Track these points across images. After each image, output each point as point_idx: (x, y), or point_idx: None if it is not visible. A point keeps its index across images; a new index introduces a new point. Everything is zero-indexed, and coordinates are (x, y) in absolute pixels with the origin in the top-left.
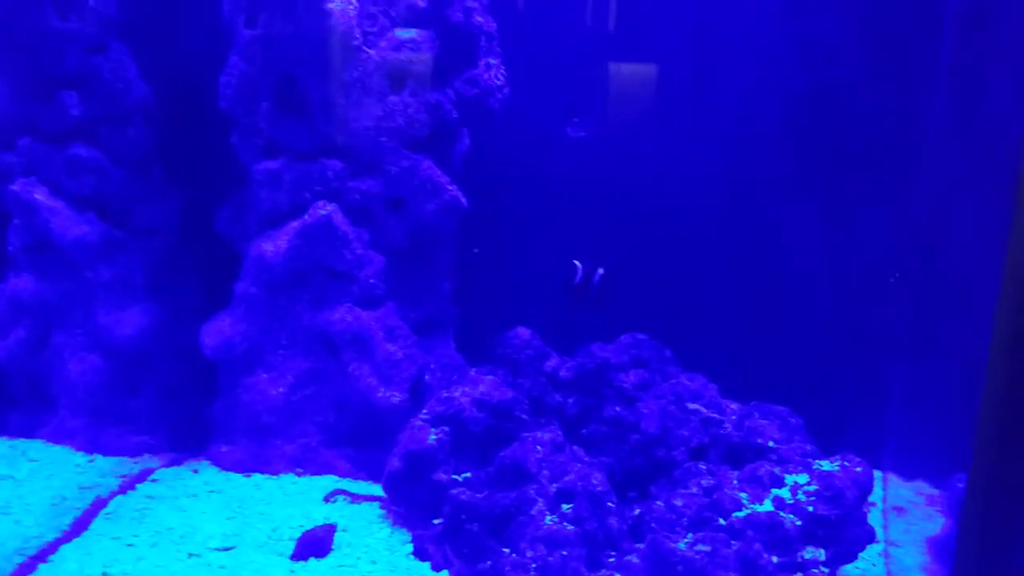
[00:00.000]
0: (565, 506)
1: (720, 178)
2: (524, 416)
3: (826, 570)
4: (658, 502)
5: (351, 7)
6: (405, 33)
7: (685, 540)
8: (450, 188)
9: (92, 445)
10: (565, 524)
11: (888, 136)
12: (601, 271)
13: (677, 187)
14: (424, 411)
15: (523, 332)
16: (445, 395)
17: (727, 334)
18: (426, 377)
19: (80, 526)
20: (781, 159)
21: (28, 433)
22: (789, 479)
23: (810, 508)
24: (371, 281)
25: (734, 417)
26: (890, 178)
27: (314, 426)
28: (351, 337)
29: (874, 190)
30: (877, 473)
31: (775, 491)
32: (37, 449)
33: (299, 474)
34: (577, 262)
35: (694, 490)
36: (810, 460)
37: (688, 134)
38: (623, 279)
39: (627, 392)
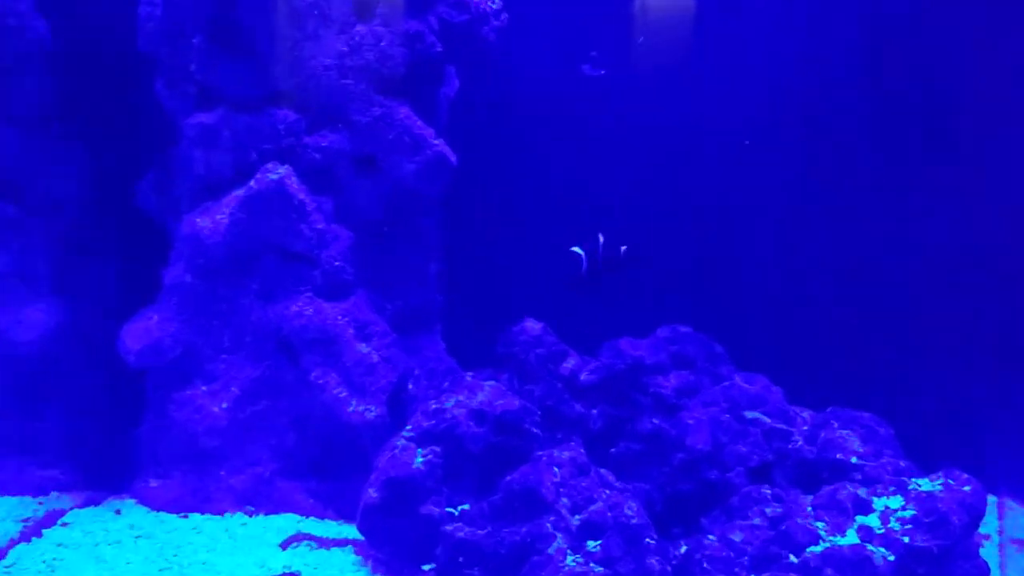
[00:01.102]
0: (592, 543)
1: (781, 149)
2: (536, 431)
3: None
4: (710, 536)
5: None
6: None
7: None
8: (434, 142)
9: None
10: (592, 566)
11: (981, 130)
12: (601, 238)
13: (729, 149)
14: (408, 427)
15: (533, 326)
16: (434, 406)
17: (792, 326)
18: (409, 385)
19: None
20: (862, 142)
21: None
22: (878, 503)
23: (905, 539)
24: (336, 263)
25: (806, 427)
26: (982, 174)
27: (268, 451)
28: (313, 336)
29: (969, 186)
30: (991, 498)
31: (860, 519)
32: None
33: (250, 513)
34: (577, 248)
35: (756, 520)
36: (904, 479)
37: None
38: (655, 259)
39: (667, 399)
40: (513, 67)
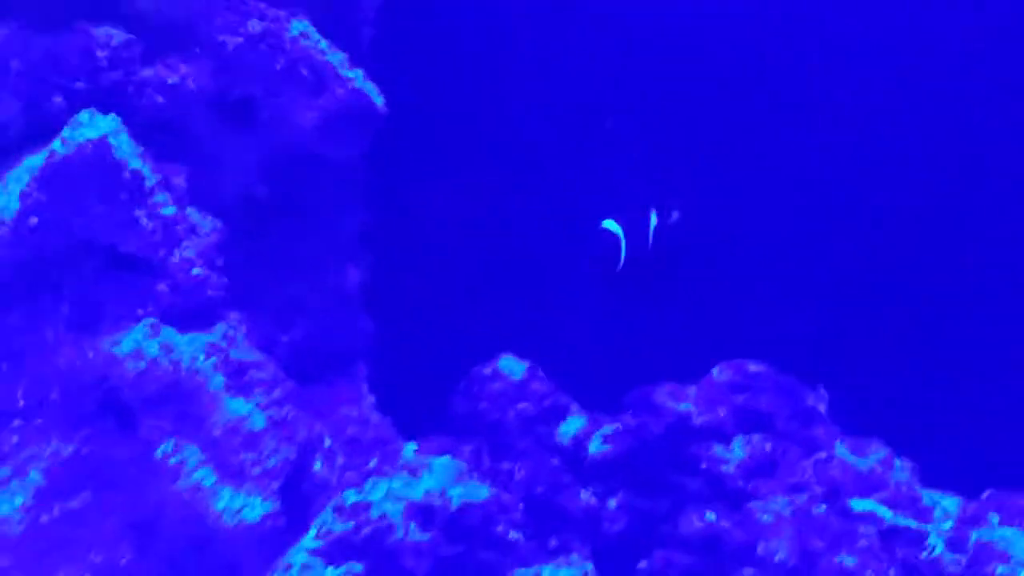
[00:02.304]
0: None
1: None
2: (516, 536)
3: None
4: None
5: None
6: None
7: None
8: (347, 76)
9: None
10: None
11: None
12: (655, 216)
13: None
14: (313, 533)
15: (512, 366)
16: (355, 499)
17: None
18: (316, 464)
19: None
20: None
21: None
22: None
23: None
24: (195, 271)
25: (949, 524)
26: None
27: None
28: (158, 388)
29: None
30: None
31: None
32: None
33: None
34: (613, 225)
35: None
36: None
37: None
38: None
39: (729, 482)
40: None
